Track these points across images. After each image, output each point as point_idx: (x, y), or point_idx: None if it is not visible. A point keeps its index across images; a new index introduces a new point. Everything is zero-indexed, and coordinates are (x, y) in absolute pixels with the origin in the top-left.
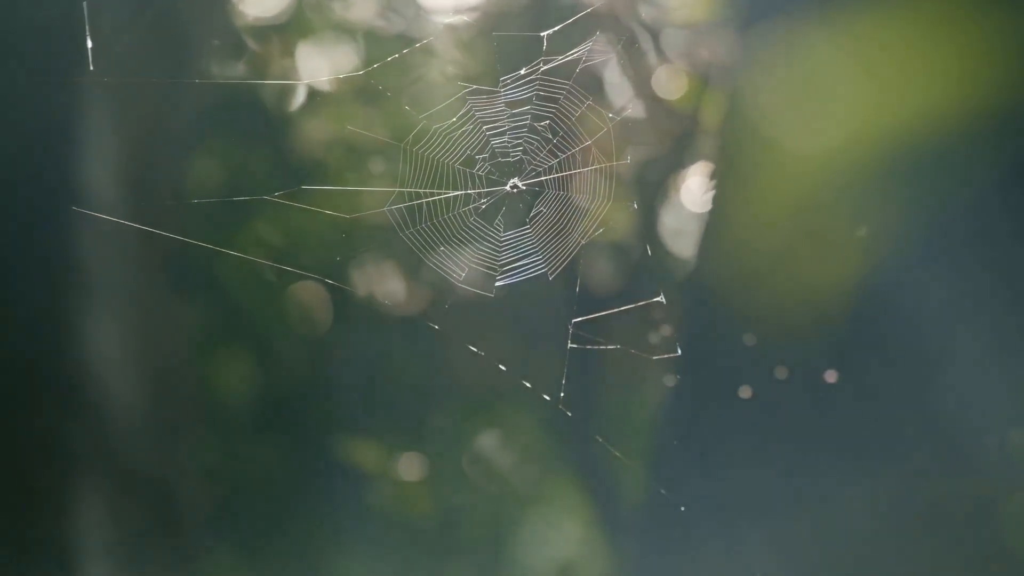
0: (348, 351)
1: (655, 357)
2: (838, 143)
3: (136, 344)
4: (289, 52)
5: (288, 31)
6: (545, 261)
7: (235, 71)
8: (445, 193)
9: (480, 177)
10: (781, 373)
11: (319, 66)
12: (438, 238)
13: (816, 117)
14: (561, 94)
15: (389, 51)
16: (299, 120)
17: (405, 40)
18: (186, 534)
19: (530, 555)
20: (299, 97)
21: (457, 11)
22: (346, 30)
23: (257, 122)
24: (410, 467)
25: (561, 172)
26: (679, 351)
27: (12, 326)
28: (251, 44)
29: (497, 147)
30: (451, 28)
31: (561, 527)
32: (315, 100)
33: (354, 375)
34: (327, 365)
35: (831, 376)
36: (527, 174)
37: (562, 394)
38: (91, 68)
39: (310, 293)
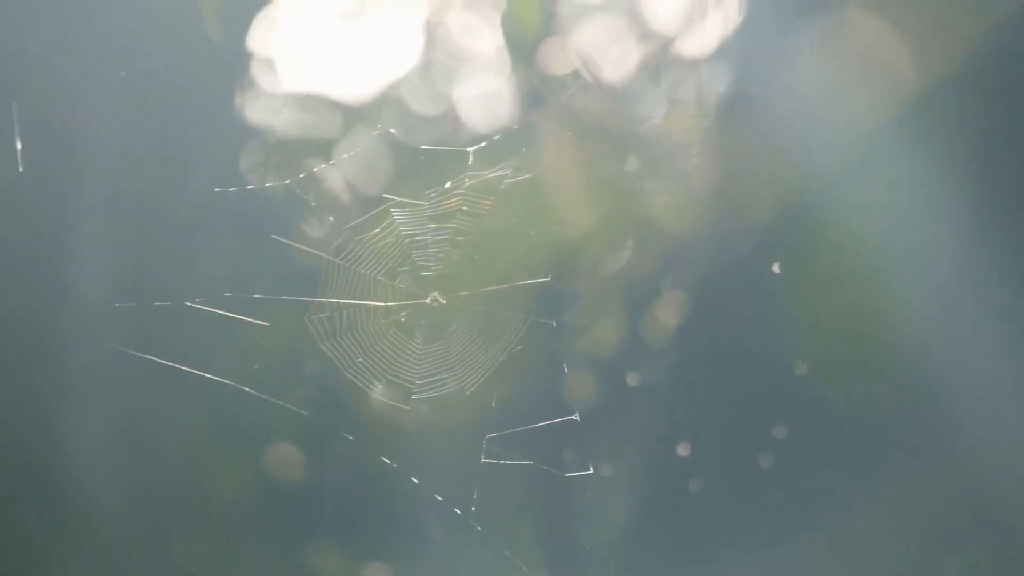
0: (257, 459)
1: (568, 474)
2: None
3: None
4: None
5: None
6: (462, 376)
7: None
8: (365, 304)
9: (401, 290)
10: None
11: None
12: (357, 349)
13: None
14: (485, 210)
15: (315, 160)
16: (221, 226)
17: (331, 149)
18: None
19: None
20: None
21: (384, 123)
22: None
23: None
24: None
25: (482, 287)
26: (591, 468)
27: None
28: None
29: (419, 260)
30: (378, 139)
31: None
32: (239, 206)
33: (260, 483)
34: (233, 472)
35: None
36: (448, 288)
37: (473, 508)
38: (20, 169)
39: (224, 400)
